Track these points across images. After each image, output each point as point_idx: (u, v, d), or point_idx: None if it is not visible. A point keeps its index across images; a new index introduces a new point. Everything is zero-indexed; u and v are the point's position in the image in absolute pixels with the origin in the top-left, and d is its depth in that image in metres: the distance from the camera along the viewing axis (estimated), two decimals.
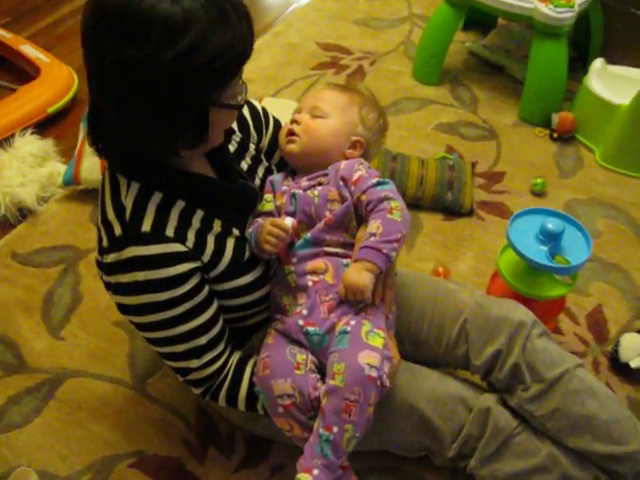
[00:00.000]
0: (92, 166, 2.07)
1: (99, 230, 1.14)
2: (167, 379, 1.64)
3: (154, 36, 0.92)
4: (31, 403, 1.61)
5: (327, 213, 1.22)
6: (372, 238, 1.15)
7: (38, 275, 1.92)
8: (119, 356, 1.70)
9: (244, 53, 1.01)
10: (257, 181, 1.32)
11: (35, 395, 1.62)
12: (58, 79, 2.50)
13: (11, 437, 1.54)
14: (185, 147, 1.08)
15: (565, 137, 2.31)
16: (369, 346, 1.11)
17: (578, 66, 2.53)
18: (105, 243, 1.11)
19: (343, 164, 1.26)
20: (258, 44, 2.88)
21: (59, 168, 2.17)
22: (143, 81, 0.95)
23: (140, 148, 1.07)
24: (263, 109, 1.40)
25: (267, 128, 1.39)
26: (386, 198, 1.19)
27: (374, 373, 1.09)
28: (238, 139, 1.31)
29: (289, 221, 1.20)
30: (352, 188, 1.22)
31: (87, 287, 1.87)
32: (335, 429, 1.08)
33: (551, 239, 1.46)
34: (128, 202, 1.10)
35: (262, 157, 1.37)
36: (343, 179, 1.23)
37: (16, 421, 1.57)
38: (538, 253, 1.45)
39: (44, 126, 2.38)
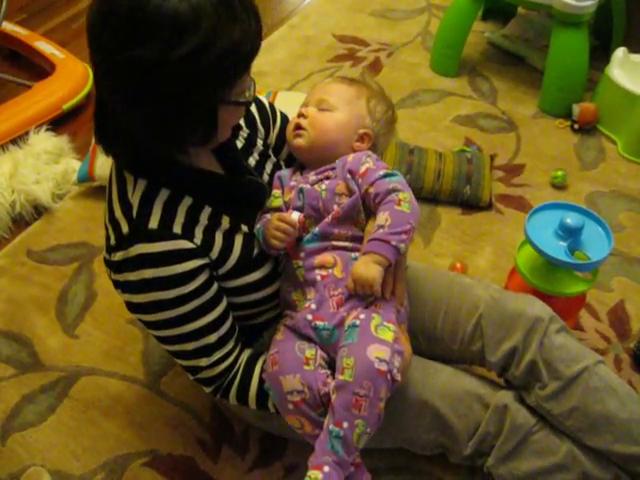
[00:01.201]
0: (106, 163, 2.05)
1: (107, 228, 1.13)
2: (181, 377, 1.63)
3: (162, 35, 0.90)
4: (45, 401, 1.61)
5: (335, 207, 1.20)
6: (380, 230, 1.13)
7: (53, 273, 1.92)
8: (133, 354, 1.70)
9: (252, 51, 1.00)
10: (265, 177, 1.30)
11: (49, 393, 1.62)
12: (73, 75, 2.50)
13: (25, 436, 1.54)
14: (193, 144, 1.07)
15: (586, 128, 2.26)
16: (378, 339, 1.09)
17: (600, 55, 2.46)
18: (113, 241, 1.10)
19: (350, 157, 1.24)
20: (273, 37, 2.86)
21: (74, 165, 2.17)
22: (151, 80, 0.93)
23: (148, 146, 1.06)
24: (270, 104, 1.38)
25: (274, 123, 1.37)
26: (394, 190, 1.16)
27: (384, 367, 1.06)
28: (245, 135, 1.29)
29: (296, 215, 1.19)
30: (360, 181, 1.20)
31: (101, 285, 1.87)
32: (345, 425, 1.06)
33: (570, 234, 1.43)
34: (135, 199, 1.09)
35: (270, 153, 1.35)
36: (350, 172, 1.21)
37: (30, 419, 1.57)
38: (557, 249, 1.42)
39: (59, 123, 2.38)
